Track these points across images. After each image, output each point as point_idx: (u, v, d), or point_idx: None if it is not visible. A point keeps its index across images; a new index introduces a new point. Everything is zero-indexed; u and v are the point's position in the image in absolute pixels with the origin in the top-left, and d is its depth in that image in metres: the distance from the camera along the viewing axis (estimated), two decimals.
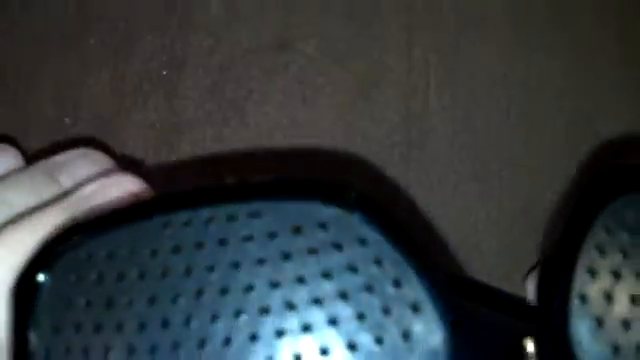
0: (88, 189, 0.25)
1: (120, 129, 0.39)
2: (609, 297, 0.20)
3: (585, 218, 0.21)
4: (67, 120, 0.39)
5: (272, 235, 0.20)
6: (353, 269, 0.19)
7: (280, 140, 0.39)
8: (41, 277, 0.20)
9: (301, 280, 0.19)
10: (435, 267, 0.20)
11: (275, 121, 0.39)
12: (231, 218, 0.20)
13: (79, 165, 0.28)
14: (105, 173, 0.28)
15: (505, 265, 0.38)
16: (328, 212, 0.20)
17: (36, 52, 0.39)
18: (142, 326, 0.19)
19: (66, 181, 0.27)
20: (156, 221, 0.20)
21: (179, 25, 0.40)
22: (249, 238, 0.20)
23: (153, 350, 0.19)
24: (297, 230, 0.20)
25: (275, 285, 0.19)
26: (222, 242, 0.20)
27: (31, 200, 0.26)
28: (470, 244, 0.38)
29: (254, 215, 0.20)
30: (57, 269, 0.20)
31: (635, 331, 0.20)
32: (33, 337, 0.20)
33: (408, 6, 0.40)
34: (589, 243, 0.21)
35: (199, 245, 0.20)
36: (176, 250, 0.20)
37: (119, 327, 0.20)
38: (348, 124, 0.39)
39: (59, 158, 0.29)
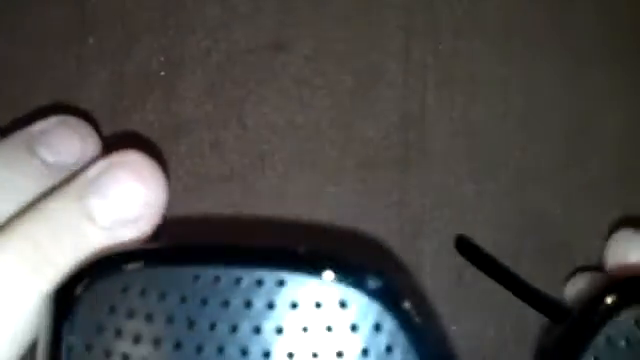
0: (93, 171, 0.25)
1: (118, 130, 0.39)
2: None
3: (588, 329, 0.22)
4: None
5: (294, 306, 0.21)
6: (365, 352, 0.21)
7: (277, 142, 0.39)
8: (73, 302, 0.21)
9: (315, 356, 0.20)
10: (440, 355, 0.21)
11: (273, 122, 0.39)
12: (259, 283, 0.21)
13: (59, 135, 0.27)
14: (89, 147, 0.27)
15: None
16: (350, 293, 0.21)
17: (34, 53, 0.39)
18: None
19: (46, 154, 0.26)
20: (189, 271, 0.21)
21: (176, 26, 0.40)
22: (272, 305, 0.21)
23: None
24: (318, 305, 0.21)
25: (290, 356, 0.20)
26: (247, 304, 0.21)
27: (12, 177, 0.25)
28: None
29: (280, 283, 0.21)
30: (90, 294, 0.22)
31: None
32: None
33: (406, 8, 0.40)
34: (588, 353, 0.22)
35: (225, 303, 0.21)
36: (204, 303, 0.21)
37: None
38: (346, 126, 0.39)
39: (36, 128, 0.28)
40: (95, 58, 0.39)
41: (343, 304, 0.21)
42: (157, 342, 0.21)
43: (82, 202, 0.24)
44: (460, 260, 0.38)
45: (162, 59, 0.39)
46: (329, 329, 0.20)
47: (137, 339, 0.21)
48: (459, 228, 0.38)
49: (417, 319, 0.21)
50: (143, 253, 0.22)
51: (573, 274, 0.35)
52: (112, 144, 0.38)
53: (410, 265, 0.38)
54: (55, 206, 0.24)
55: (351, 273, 0.21)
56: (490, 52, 0.39)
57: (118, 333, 0.21)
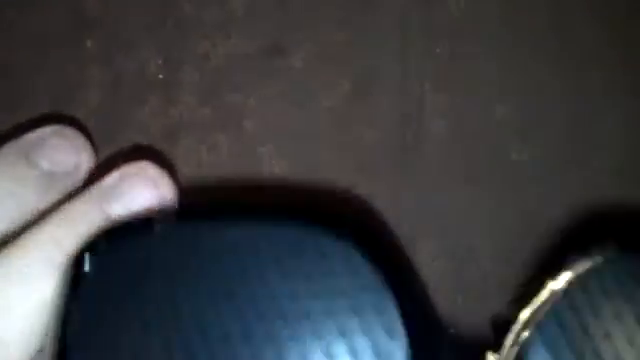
0: (110, 180, 0.26)
1: (116, 133, 0.39)
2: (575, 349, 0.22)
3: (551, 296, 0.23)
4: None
5: (277, 256, 0.23)
6: (343, 293, 0.22)
7: (275, 145, 0.39)
8: (83, 272, 0.23)
9: (294, 297, 0.22)
10: (416, 300, 0.23)
11: (271, 125, 0.39)
12: (244, 236, 0.23)
13: (56, 146, 0.28)
14: (84, 158, 0.28)
15: (500, 270, 0.38)
16: (329, 242, 0.23)
17: (32, 55, 0.39)
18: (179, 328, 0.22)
19: (45, 165, 0.27)
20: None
21: (175, 29, 0.40)
22: (257, 255, 0.23)
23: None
24: (299, 254, 0.23)
25: (272, 298, 0.22)
26: (233, 253, 0.23)
27: (12, 187, 0.26)
28: (465, 249, 0.38)
29: (264, 236, 0.23)
30: (99, 266, 0.23)
31: None
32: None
33: (403, 11, 0.40)
34: (564, 301, 0.22)
35: (213, 256, 0.23)
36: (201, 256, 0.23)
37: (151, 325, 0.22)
38: (343, 128, 0.39)
39: (32, 137, 0.28)
40: (93, 61, 0.39)
41: (322, 252, 0.23)
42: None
43: (103, 207, 0.26)
44: (458, 263, 0.38)
45: (160, 62, 0.40)
46: (309, 276, 0.22)
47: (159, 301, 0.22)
48: (456, 230, 0.38)
49: (391, 262, 0.22)
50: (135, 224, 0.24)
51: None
52: (114, 153, 0.38)
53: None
54: (78, 209, 0.26)
55: (328, 221, 0.22)
56: (487, 54, 0.39)
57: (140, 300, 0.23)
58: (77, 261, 0.23)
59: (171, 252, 0.23)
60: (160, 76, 0.39)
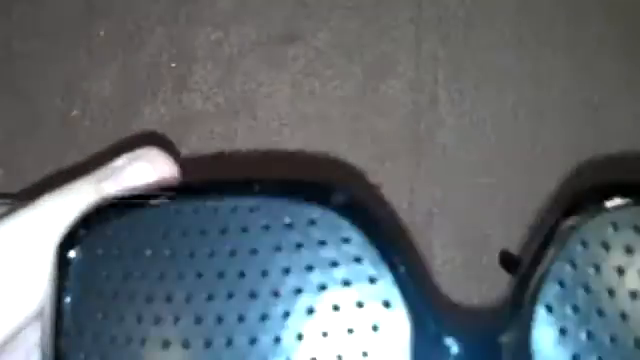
0: (119, 162, 0.26)
1: (129, 122, 0.39)
2: (576, 309, 0.21)
3: (561, 233, 0.22)
4: (76, 113, 0.39)
5: (266, 228, 0.22)
6: (334, 264, 0.21)
7: (288, 134, 0.39)
8: (72, 252, 0.22)
9: (287, 271, 0.21)
10: (409, 267, 0.22)
11: (284, 114, 0.39)
12: (234, 210, 0.22)
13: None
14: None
15: None
16: (318, 211, 0.22)
17: (45, 46, 0.39)
18: (169, 299, 0.22)
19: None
20: (187, 205, 0.22)
21: (187, 18, 0.40)
22: (246, 229, 0.22)
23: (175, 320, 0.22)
24: (289, 226, 0.22)
25: (264, 274, 0.21)
26: (223, 231, 0.22)
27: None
28: (478, 238, 0.38)
29: (253, 209, 0.22)
30: (90, 243, 0.23)
31: (597, 343, 0.21)
32: (67, 304, 0.22)
33: (417, 0, 0.40)
34: (562, 256, 0.21)
35: (203, 232, 0.22)
36: (184, 234, 0.22)
37: (148, 299, 0.22)
38: (356, 117, 0.39)
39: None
40: (106, 51, 0.39)
41: (312, 222, 0.22)
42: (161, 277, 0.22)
43: (99, 185, 0.26)
44: (470, 252, 0.38)
45: (173, 51, 0.40)
46: (299, 246, 0.22)
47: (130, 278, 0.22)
48: (469, 220, 0.38)
49: (385, 232, 0.21)
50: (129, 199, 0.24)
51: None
52: (126, 140, 0.39)
53: (421, 256, 0.38)
54: (75, 187, 0.26)
55: (317, 191, 0.22)
56: (500, 43, 0.39)
57: (125, 276, 0.22)
58: (64, 244, 0.23)
59: (158, 231, 0.22)
60: (173, 65, 0.39)
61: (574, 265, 0.21)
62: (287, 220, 0.22)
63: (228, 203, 0.22)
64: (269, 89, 0.39)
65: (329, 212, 0.21)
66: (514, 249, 0.38)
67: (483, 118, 0.39)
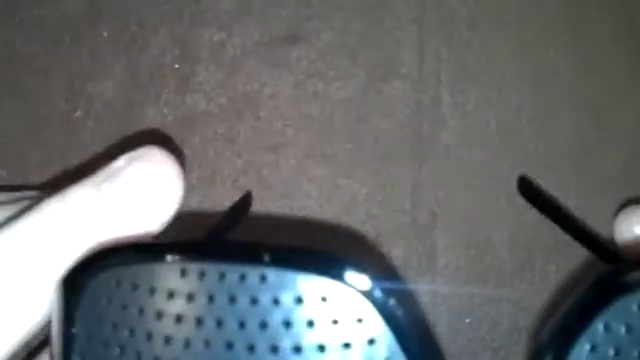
0: (119, 162, 0.25)
1: (132, 123, 0.39)
2: None
3: (584, 315, 0.22)
4: (79, 114, 0.39)
5: (276, 302, 0.21)
6: (347, 345, 0.21)
7: (291, 135, 0.39)
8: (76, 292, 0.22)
9: (298, 350, 0.21)
10: (424, 350, 0.21)
11: (287, 114, 0.39)
12: (242, 278, 0.21)
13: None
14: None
15: (516, 259, 0.38)
16: (330, 287, 0.21)
17: (48, 46, 0.39)
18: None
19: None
20: (175, 266, 0.21)
21: (191, 19, 0.40)
22: (255, 301, 0.21)
23: None
24: (299, 300, 0.21)
25: (274, 350, 0.21)
26: (231, 300, 0.21)
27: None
28: (481, 238, 0.38)
29: (263, 279, 0.21)
30: (89, 286, 0.22)
31: None
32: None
33: (419, 1, 0.40)
34: (583, 339, 0.21)
35: (210, 298, 0.21)
36: (190, 298, 0.21)
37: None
38: (359, 118, 0.39)
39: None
40: (109, 51, 0.39)
41: (324, 298, 0.21)
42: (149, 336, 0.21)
43: (99, 188, 0.25)
44: (474, 252, 0.38)
45: (176, 52, 0.40)
46: (310, 324, 0.21)
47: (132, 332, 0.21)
48: (472, 221, 0.38)
49: (400, 313, 0.21)
50: (137, 249, 0.23)
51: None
52: (128, 140, 0.39)
53: (423, 257, 0.38)
54: (75, 191, 0.25)
55: (332, 267, 0.21)
56: (504, 44, 0.39)
57: (115, 325, 0.21)
58: (69, 282, 0.23)
59: (163, 291, 0.21)
60: (176, 66, 0.39)
61: (595, 348, 0.21)
62: (298, 294, 0.21)
63: (236, 269, 0.21)
64: (272, 90, 0.39)
65: (343, 288, 0.21)
66: (517, 251, 0.38)
67: (486, 119, 0.39)
